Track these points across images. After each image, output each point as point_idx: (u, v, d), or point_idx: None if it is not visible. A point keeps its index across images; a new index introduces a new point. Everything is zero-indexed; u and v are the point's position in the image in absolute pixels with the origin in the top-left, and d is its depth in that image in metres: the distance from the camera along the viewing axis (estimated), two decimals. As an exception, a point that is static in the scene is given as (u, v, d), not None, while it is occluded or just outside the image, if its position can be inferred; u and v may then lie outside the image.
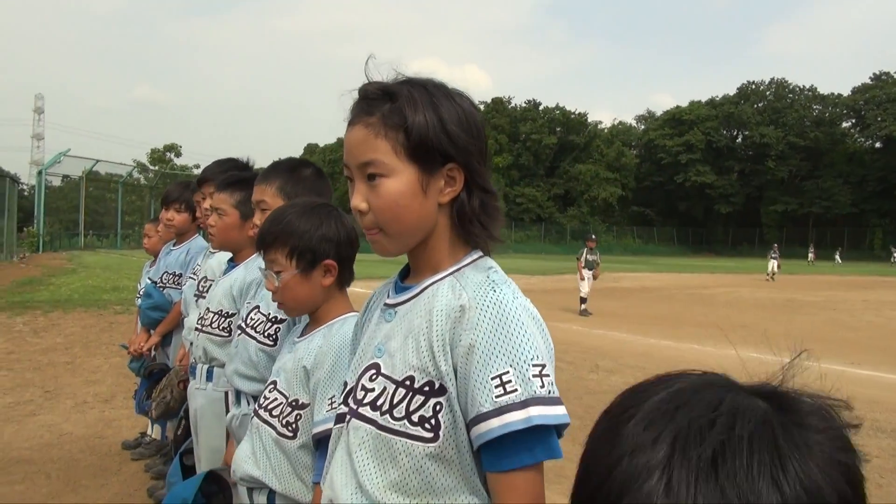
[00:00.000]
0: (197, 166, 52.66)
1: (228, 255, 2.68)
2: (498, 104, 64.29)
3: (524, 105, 65.71)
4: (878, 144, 62.29)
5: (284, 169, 2.08)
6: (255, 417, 1.74)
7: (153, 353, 3.62)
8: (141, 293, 4.20)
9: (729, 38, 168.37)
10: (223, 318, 2.41)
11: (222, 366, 2.35)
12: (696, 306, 15.95)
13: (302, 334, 1.75)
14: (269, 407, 1.69)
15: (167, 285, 3.54)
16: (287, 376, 1.68)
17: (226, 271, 2.56)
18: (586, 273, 13.60)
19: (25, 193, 47.09)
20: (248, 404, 1.99)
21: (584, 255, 13.82)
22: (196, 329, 2.51)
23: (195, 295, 2.89)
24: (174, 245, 3.72)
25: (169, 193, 3.65)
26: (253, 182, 2.44)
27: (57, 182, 39.88)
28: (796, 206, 62.33)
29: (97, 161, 37.06)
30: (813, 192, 61.73)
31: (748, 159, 66.17)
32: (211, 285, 2.70)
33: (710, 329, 11.59)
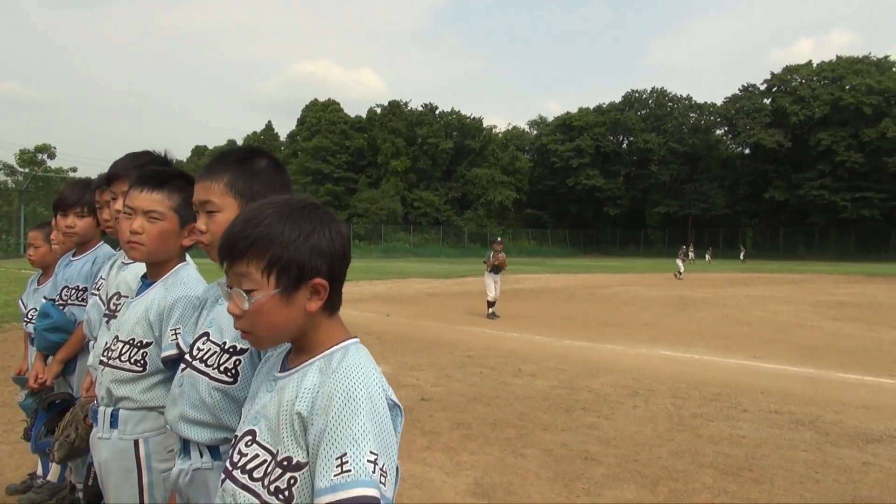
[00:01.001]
0: (74, 169, 48.77)
1: (143, 268, 2.25)
2: (395, 107, 64.02)
3: (421, 109, 65.83)
4: (746, 151, 67.31)
5: (233, 160, 1.69)
6: (227, 481, 1.29)
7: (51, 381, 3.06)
8: (28, 313, 3.61)
9: (615, 48, 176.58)
10: (135, 349, 1.96)
11: (134, 408, 1.94)
12: (599, 305, 16.36)
13: (283, 368, 1.33)
14: (249, 467, 1.25)
15: (69, 302, 3.00)
16: (270, 425, 1.26)
17: (139, 291, 2.11)
18: (493, 277, 13.52)
19: None
20: (201, 456, 1.61)
21: (491, 257, 13.77)
22: (100, 362, 2.04)
23: (105, 315, 2.41)
24: (74, 255, 3.17)
25: (66, 197, 3.09)
26: (188, 179, 2.04)
27: None
28: (677, 207, 66.12)
29: (-45, 162, 33.48)
30: (692, 194, 65.73)
31: (633, 164, 69.48)
32: (123, 304, 2.25)
33: (617, 328, 11.86)
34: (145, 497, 1.88)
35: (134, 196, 2.00)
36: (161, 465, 1.86)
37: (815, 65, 62.95)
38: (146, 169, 2.14)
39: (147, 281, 2.07)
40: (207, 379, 1.61)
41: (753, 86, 66.42)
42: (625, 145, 71.07)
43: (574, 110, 71.83)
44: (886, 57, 60.15)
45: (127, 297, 2.32)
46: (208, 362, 1.62)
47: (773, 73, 65.25)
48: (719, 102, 68.36)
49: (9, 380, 6.30)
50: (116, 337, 1.99)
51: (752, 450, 4.81)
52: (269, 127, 77.59)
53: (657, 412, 5.84)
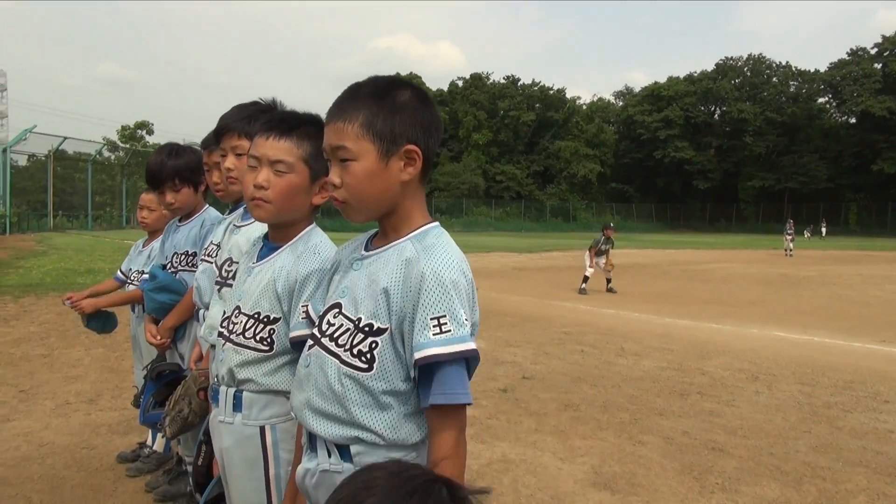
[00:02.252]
0: (169, 144, 50.84)
1: (262, 228, 1.99)
2: (476, 80, 63.29)
3: (503, 81, 64.75)
4: (852, 120, 62.70)
5: (369, 94, 1.35)
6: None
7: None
8: (131, 275, 3.52)
9: (705, 15, 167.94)
10: (261, 325, 1.69)
11: (259, 391, 1.69)
12: (696, 282, 15.55)
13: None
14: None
15: (179, 268, 2.85)
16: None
17: (260, 255, 1.80)
18: (597, 260, 13.28)
19: (-12, 173, 45.20)
20: (329, 455, 1.35)
21: (601, 243, 13.37)
22: (220, 336, 1.80)
23: (217, 282, 2.20)
24: (180, 221, 3.02)
25: (153, 174, 2.88)
26: (320, 126, 1.77)
27: (23, 161, 38.24)
28: (773, 181, 62.58)
29: (65, 139, 35.50)
30: (789, 167, 61.97)
31: (726, 135, 66.12)
32: (236, 270, 2.02)
33: (720, 307, 11.17)
34: (273, 491, 1.65)
35: (259, 143, 1.70)
36: (289, 456, 1.62)
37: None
38: (273, 113, 1.84)
39: (270, 244, 1.79)
40: (337, 362, 1.34)
41: (863, 49, 61.55)
42: (717, 116, 67.71)
43: (662, 80, 68.88)
44: None
45: (238, 262, 2.10)
46: (339, 341, 1.35)
47: (884, 37, 60.24)
48: (822, 69, 63.91)
49: (116, 345, 6.44)
50: (238, 308, 1.73)
51: (904, 447, 4.26)
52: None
53: (784, 400, 5.32)
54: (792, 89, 65.48)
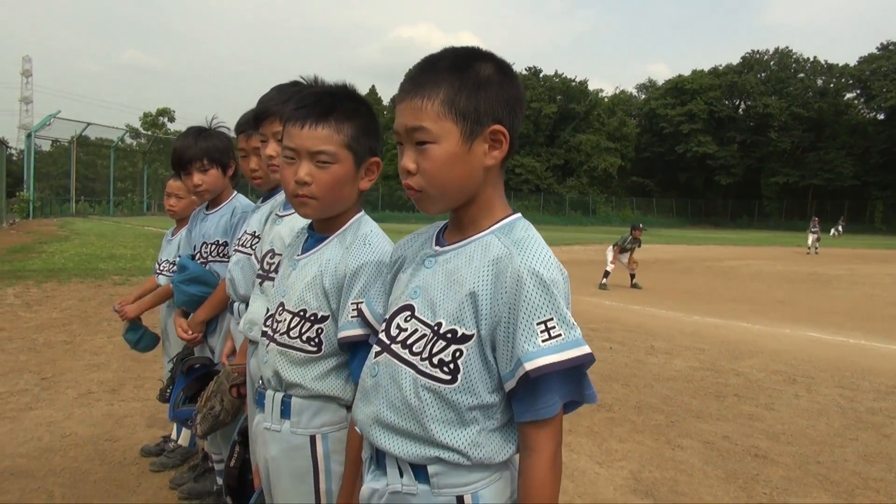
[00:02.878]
0: (191, 132, 51.09)
1: (300, 221, 1.85)
2: (498, 71, 62.78)
3: (524, 73, 64.20)
4: (881, 116, 61.46)
5: (448, 67, 1.18)
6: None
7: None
8: (161, 265, 3.40)
9: (732, 7, 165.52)
10: (308, 323, 1.55)
11: (308, 396, 1.54)
12: (722, 279, 15.26)
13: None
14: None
15: (209, 258, 2.71)
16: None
17: (305, 247, 1.66)
18: (620, 257, 13.26)
19: (14, 158, 45.74)
20: (401, 475, 1.20)
21: (627, 242, 13.35)
22: (263, 335, 1.66)
23: (259, 275, 2.05)
24: (207, 209, 2.88)
25: (182, 152, 2.72)
26: (357, 100, 1.59)
27: (46, 147, 38.62)
28: (797, 178, 61.63)
29: (88, 124, 35.79)
30: (815, 163, 60.97)
31: (750, 130, 65.13)
32: (279, 263, 1.86)
33: (749, 305, 10.90)
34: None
35: (294, 134, 1.52)
36: (342, 468, 1.48)
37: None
38: (302, 95, 1.61)
39: (316, 234, 1.64)
40: (413, 372, 1.19)
41: (894, 44, 60.22)
42: (741, 110, 66.70)
43: (686, 73, 67.96)
44: None
45: (280, 254, 1.95)
46: (414, 348, 1.20)
47: (917, 30, 58.84)
48: (852, 63, 62.66)
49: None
50: (282, 305, 1.59)
51: (959, 458, 4.04)
52: (372, 91, 78.22)
53: (826, 404, 5.11)
54: (819, 84, 64.34)
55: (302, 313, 1.55)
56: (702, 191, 67.79)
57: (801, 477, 3.68)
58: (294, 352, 1.55)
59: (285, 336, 1.56)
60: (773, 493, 3.47)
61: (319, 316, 1.54)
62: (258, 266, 2.05)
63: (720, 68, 67.26)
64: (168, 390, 2.84)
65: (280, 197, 2.20)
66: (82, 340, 6.28)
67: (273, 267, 1.96)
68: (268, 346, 1.60)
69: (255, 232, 2.28)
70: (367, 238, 1.56)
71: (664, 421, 4.59)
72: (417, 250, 1.33)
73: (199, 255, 2.75)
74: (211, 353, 2.70)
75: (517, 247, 1.17)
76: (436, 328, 1.19)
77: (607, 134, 62.90)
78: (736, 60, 67.80)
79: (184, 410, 2.56)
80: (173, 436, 3.52)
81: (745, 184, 65.57)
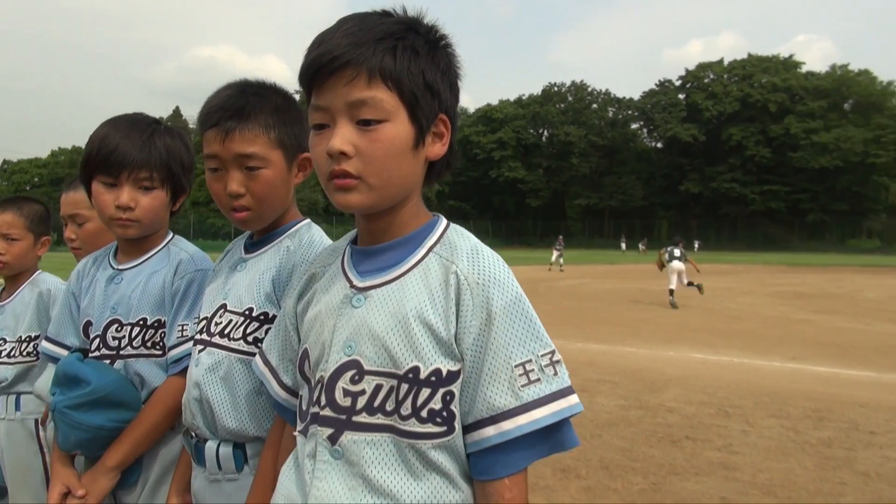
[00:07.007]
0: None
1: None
2: (304, 95, 61.48)
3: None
4: (660, 145, 69.20)
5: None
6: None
7: None
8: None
9: (525, 43, 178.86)
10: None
11: None
12: (571, 301, 15.46)
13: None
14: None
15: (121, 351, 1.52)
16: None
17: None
18: (675, 266, 14.86)
19: None
20: None
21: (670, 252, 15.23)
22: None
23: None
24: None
25: None
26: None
27: None
28: (596, 199, 67.19)
29: None
30: (610, 186, 66.93)
31: (554, 156, 70.04)
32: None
33: (617, 327, 10.94)
34: None
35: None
36: None
37: (726, 62, 65.38)
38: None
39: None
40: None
41: (669, 81, 68.29)
42: (545, 138, 71.52)
43: (494, 102, 71.60)
44: (792, 56, 63.26)
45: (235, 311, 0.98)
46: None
47: (687, 70, 67.31)
48: (636, 98, 69.95)
49: None
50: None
51: (946, 493, 3.84)
52: (176, 112, 73.00)
53: (778, 440, 4.81)
54: (610, 115, 70.95)
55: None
56: (514, 213, 71.48)
57: (839, 545, 3.20)
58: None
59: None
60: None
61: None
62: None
63: (524, 98, 71.71)
64: None
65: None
66: None
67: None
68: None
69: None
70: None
71: (646, 485, 3.94)
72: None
73: (101, 341, 1.54)
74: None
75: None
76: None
77: (425, 159, 64.04)
78: (538, 91, 72.75)
79: None
80: None
81: (552, 206, 70.25)
